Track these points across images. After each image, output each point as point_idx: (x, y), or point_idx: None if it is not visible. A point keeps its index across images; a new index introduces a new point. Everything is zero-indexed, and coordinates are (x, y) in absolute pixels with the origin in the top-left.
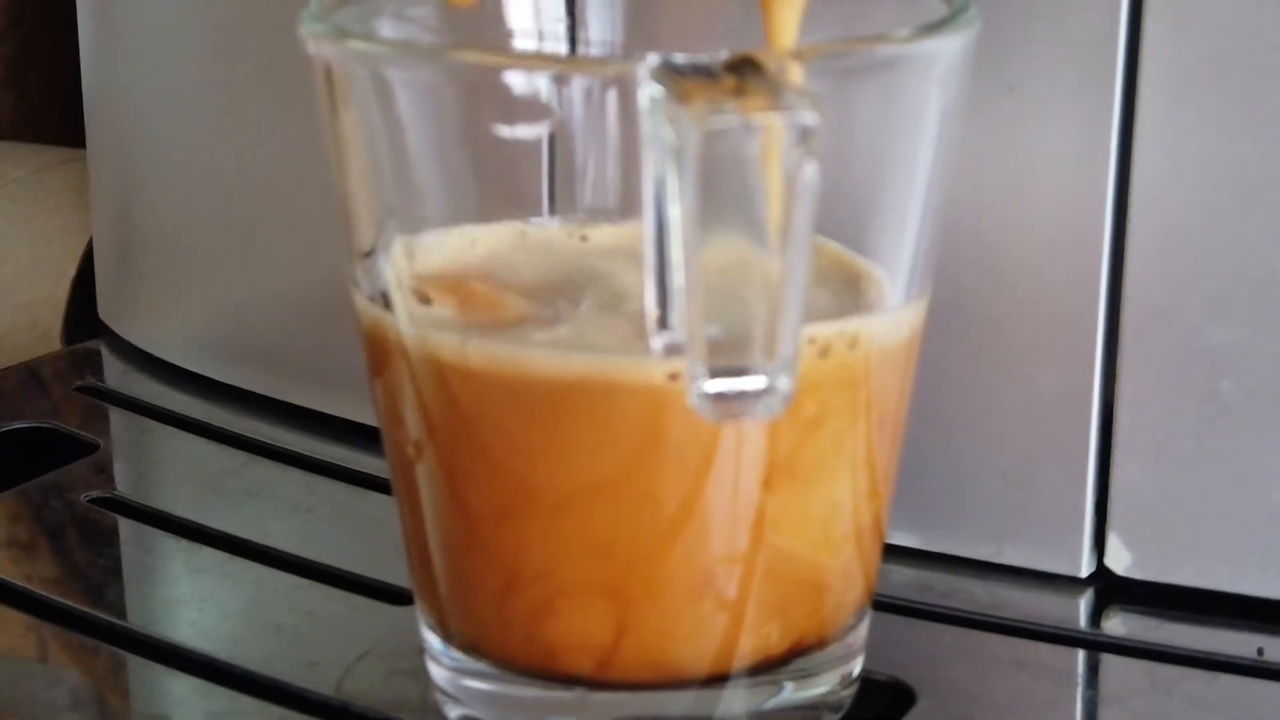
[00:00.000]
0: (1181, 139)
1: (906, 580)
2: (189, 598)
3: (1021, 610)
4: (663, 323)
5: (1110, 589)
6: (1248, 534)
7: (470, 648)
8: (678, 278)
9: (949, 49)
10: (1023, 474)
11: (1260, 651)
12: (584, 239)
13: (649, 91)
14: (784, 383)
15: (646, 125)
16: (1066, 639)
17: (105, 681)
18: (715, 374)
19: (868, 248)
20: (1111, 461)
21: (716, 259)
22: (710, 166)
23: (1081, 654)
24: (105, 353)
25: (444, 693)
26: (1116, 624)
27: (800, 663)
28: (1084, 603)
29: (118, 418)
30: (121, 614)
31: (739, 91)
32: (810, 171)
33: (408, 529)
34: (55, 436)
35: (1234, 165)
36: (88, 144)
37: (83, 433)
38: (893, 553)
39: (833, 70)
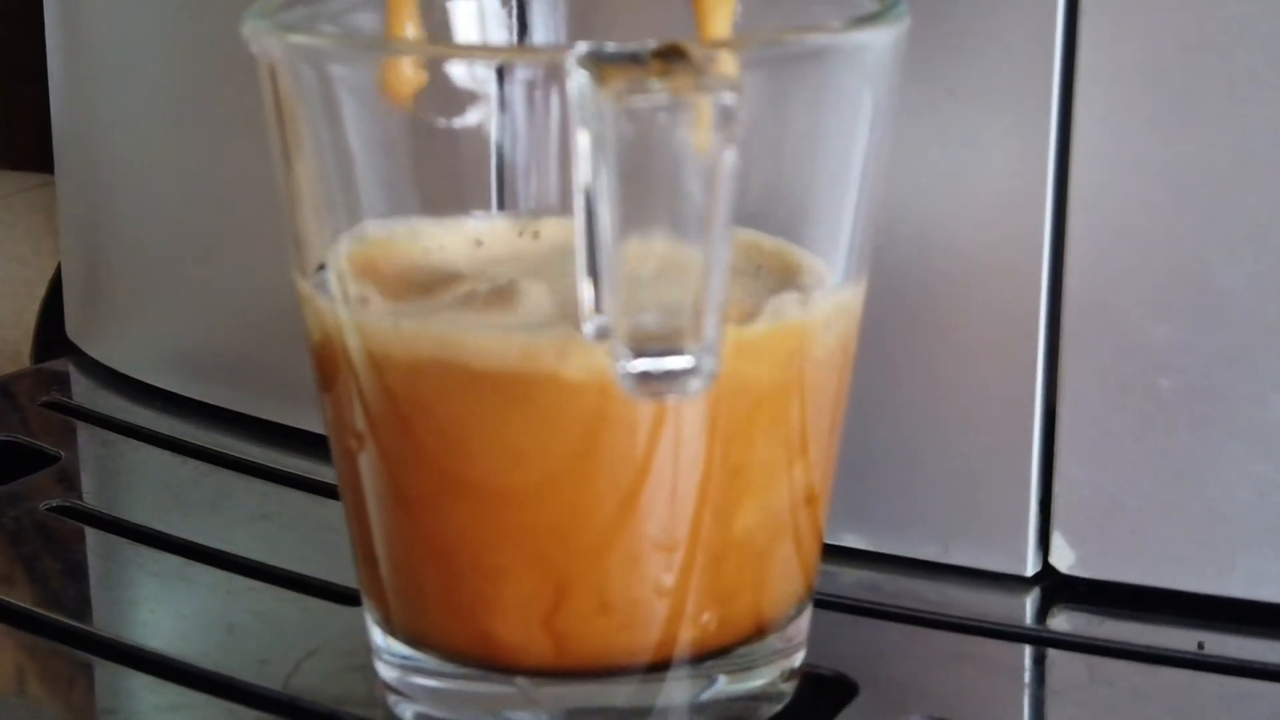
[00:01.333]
0: (1119, 140)
1: (855, 581)
2: (144, 599)
3: (968, 609)
4: (596, 307)
5: (1055, 587)
6: (1189, 531)
7: (414, 641)
8: (604, 260)
9: (879, 41)
10: (968, 474)
11: (1200, 645)
12: (535, 235)
13: (576, 77)
14: (708, 362)
15: (574, 109)
16: (1009, 634)
17: (57, 678)
18: (641, 354)
19: (804, 237)
20: (1055, 461)
21: (643, 244)
22: (631, 147)
23: (1025, 649)
24: (73, 371)
25: (390, 688)
26: (1061, 621)
27: (740, 652)
28: (1030, 601)
29: (82, 432)
30: (76, 614)
31: (663, 75)
32: (729, 155)
33: (352, 522)
34: (18, 449)
35: (1171, 165)
36: (56, 168)
37: (46, 445)
38: (841, 554)
39: (765, 60)
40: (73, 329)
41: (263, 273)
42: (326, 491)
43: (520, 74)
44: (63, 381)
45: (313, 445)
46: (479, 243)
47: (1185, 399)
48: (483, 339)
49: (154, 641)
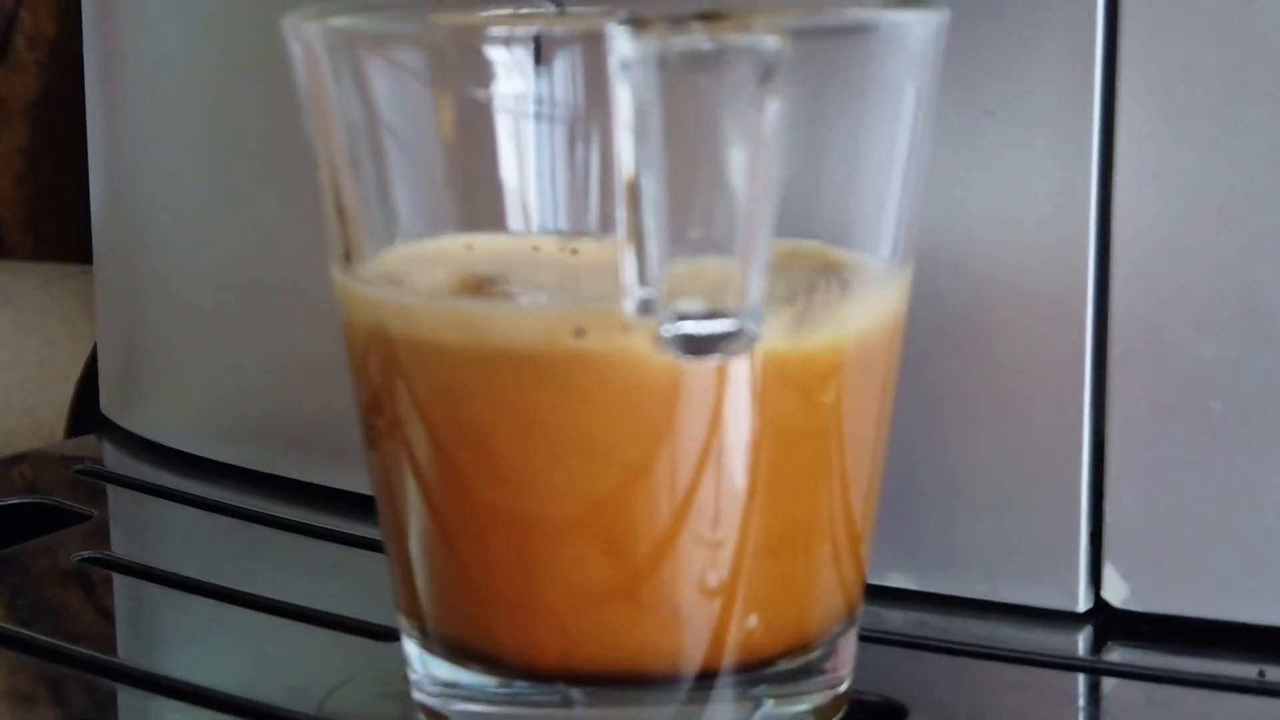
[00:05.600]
0: (1162, 156)
1: (901, 619)
2: (174, 635)
3: (1019, 645)
4: (639, 280)
5: (1109, 623)
6: (1246, 558)
7: (454, 654)
8: (649, 223)
9: (920, 25)
10: (1015, 507)
11: (1261, 674)
12: (574, 252)
13: (617, 39)
14: (751, 325)
15: (614, 68)
16: (1064, 665)
17: (88, 708)
18: (685, 316)
19: (845, 233)
20: (1105, 491)
21: (685, 206)
22: (674, 100)
23: (1080, 677)
24: (106, 444)
25: (427, 710)
26: (1116, 656)
27: (784, 666)
28: (1083, 638)
29: (114, 494)
30: (105, 649)
31: (705, 24)
32: (774, 105)
33: (388, 529)
34: (49, 510)
35: (1216, 180)
36: (94, 250)
37: (77, 505)
38: (886, 595)
39: (804, 32)
40: (107, 403)
41: (294, 341)
42: (359, 544)
43: (560, 57)
44: (95, 452)
45: (344, 503)
46: (516, 251)
47: (1237, 420)
48: (518, 315)
49: (185, 673)
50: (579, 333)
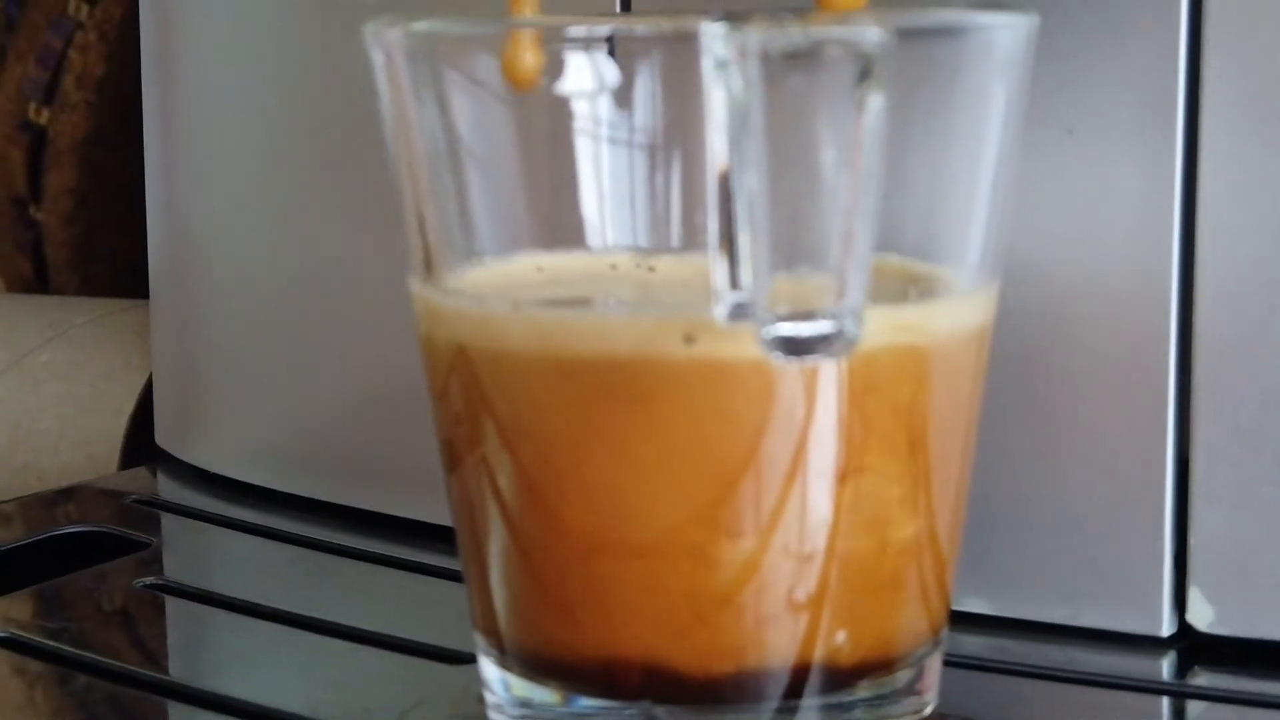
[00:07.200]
0: (1247, 171)
1: (980, 644)
2: (245, 660)
3: (1101, 670)
4: (731, 284)
5: (1194, 648)
6: None
7: (532, 671)
8: (744, 223)
9: (1011, 28)
10: (1097, 530)
11: None
12: (651, 269)
13: (711, 39)
14: (851, 326)
15: (708, 69)
16: (1148, 689)
17: None
18: (784, 318)
19: (932, 244)
20: (1189, 512)
21: (782, 205)
22: (772, 97)
23: (1164, 700)
24: (161, 474)
25: None
26: (1202, 682)
27: (871, 686)
28: (1167, 664)
29: (174, 523)
30: (180, 673)
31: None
32: (876, 100)
33: (466, 544)
34: (109, 539)
35: None
36: (150, 282)
37: (137, 534)
38: (963, 620)
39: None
40: (162, 435)
41: (349, 370)
42: (419, 569)
43: (641, 61)
44: (149, 484)
45: (403, 530)
46: (593, 268)
47: None
48: (621, 323)
49: (257, 696)
50: (689, 340)
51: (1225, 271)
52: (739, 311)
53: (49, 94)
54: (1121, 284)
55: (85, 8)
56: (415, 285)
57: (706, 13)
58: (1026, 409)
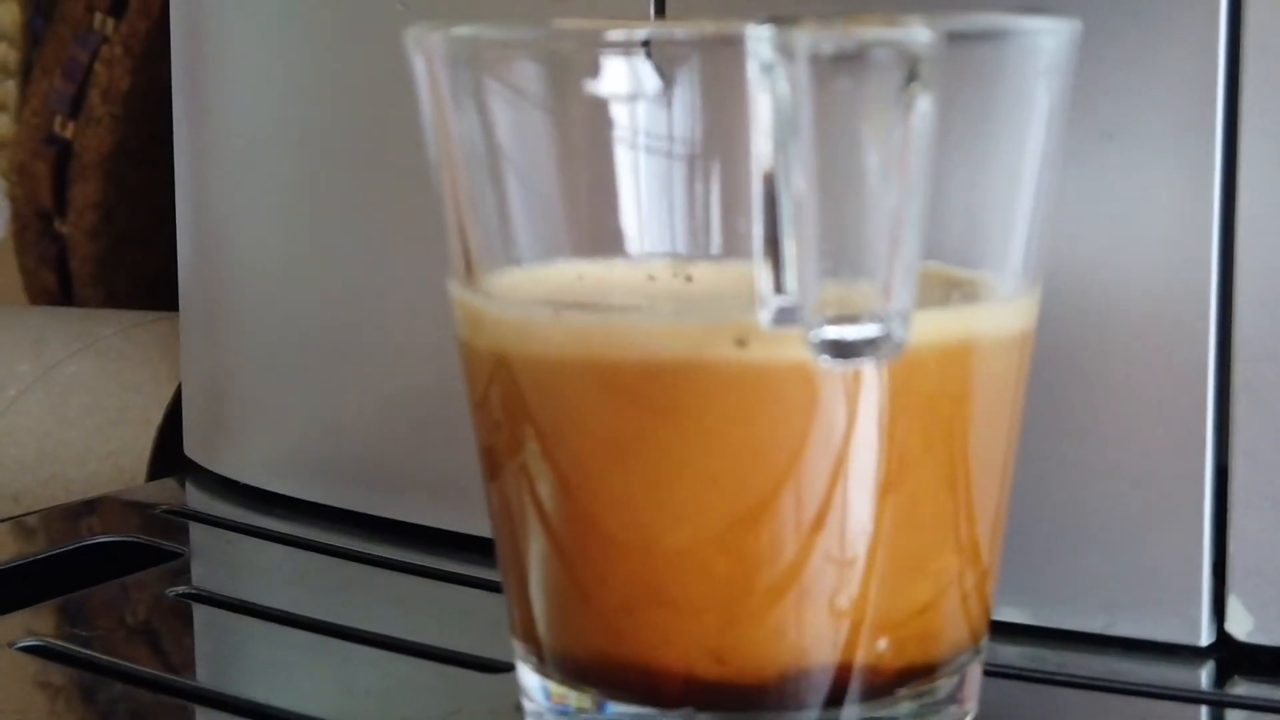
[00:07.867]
0: None
1: (1017, 653)
2: (282, 668)
3: (1139, 680)
4: (777, 288)
5: (1233, 658)
6: None
7: (571, 677)
8: (790, 224)
9: (1055, 32)
10: (1134, 539)
11: None
12: (689, 279)
13: (758, 41)
14: (899, 329)
15: (754, 72)
16: (1187, 698)
17: None
18: (832, 321)
19: (974, 249)
20: (1228, 520)
21: (828, 208)
22: (821, 99)
23: (1204, 709)
24: (189, 485)
25: None
26: (1241, 692)
27: (912, 693)
28: (1205, 674)
29: (204, 533)
30: (216, 681)
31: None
32: (925, 102)
33: (504, 549)
34: (140, 549)
35: None
36: (180, 294)
37: (168, 544)
38: (1000, 630)
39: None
40: (191, 446)
41: (378, 380)
42: (456, 580)
43: (682, 67)
44: (177, 494)
45: (437, 541)
46: (630, 278)
47: None
48: (670, 327)
49: (294, 704)
50: (740, 343)
51: (1265, 277)
52: (784, 316)
53: (74, 108)
54: (1160, 290)
55: (111, 22)
56: (456, 290)
57: (750, 16)
58: (1065, 417)
